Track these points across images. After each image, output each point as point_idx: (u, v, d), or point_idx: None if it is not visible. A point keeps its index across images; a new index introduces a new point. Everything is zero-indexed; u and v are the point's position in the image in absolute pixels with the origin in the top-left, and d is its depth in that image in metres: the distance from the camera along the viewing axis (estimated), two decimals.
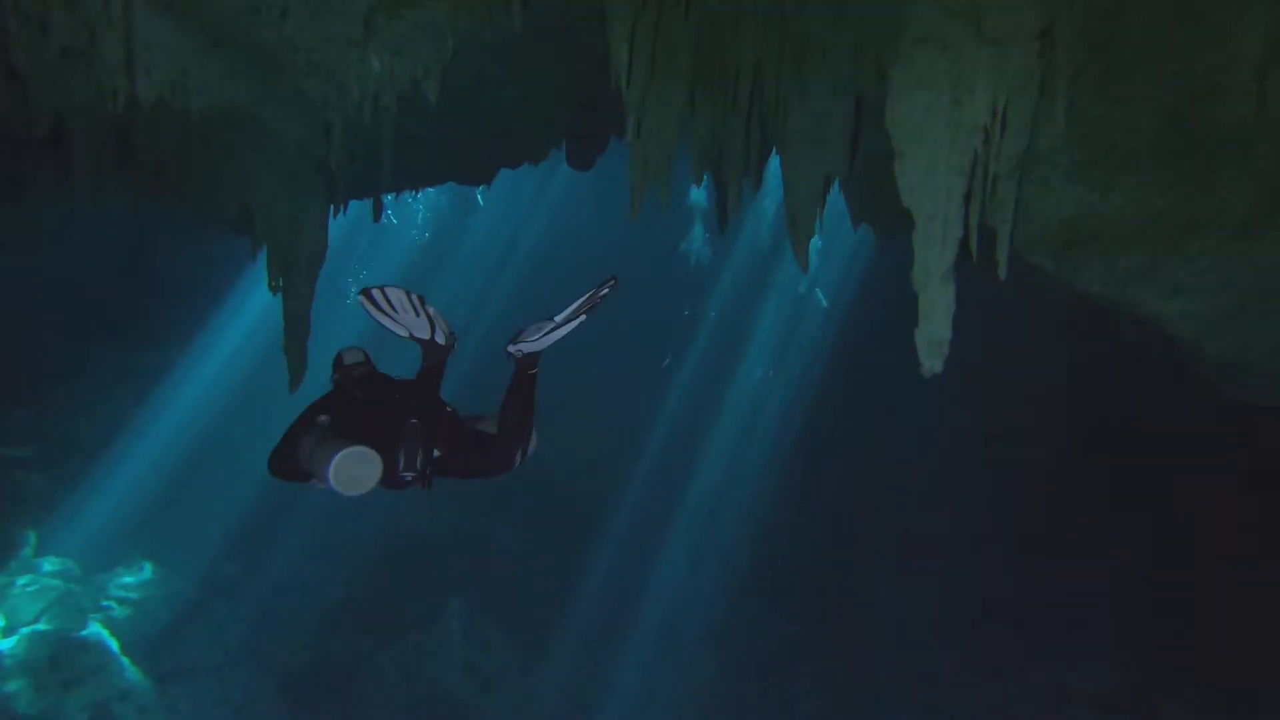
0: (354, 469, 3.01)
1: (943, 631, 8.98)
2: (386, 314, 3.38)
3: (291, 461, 3.28)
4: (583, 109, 7.83)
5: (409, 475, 3.27)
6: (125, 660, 11.72)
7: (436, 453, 3.33)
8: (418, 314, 3.42)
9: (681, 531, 12.57)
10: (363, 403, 3.41)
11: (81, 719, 11.07)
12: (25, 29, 4.66)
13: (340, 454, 2.99)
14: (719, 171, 4.77)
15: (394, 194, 9.03)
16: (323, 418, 3.33)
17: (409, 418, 3.31)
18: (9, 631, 11.60)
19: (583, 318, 3.45)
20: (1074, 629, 8.15)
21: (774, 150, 4.94)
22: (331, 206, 7.92)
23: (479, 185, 8.77)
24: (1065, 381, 8.13)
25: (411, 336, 3.46)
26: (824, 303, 14.32)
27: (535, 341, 3.48)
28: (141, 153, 6.28)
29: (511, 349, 3.52)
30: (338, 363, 3.62)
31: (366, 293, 3.36)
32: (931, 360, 3.09)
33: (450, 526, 12.16)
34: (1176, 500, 7.52)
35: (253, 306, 13.88)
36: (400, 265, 18.39)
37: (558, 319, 3.47)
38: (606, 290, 3.47)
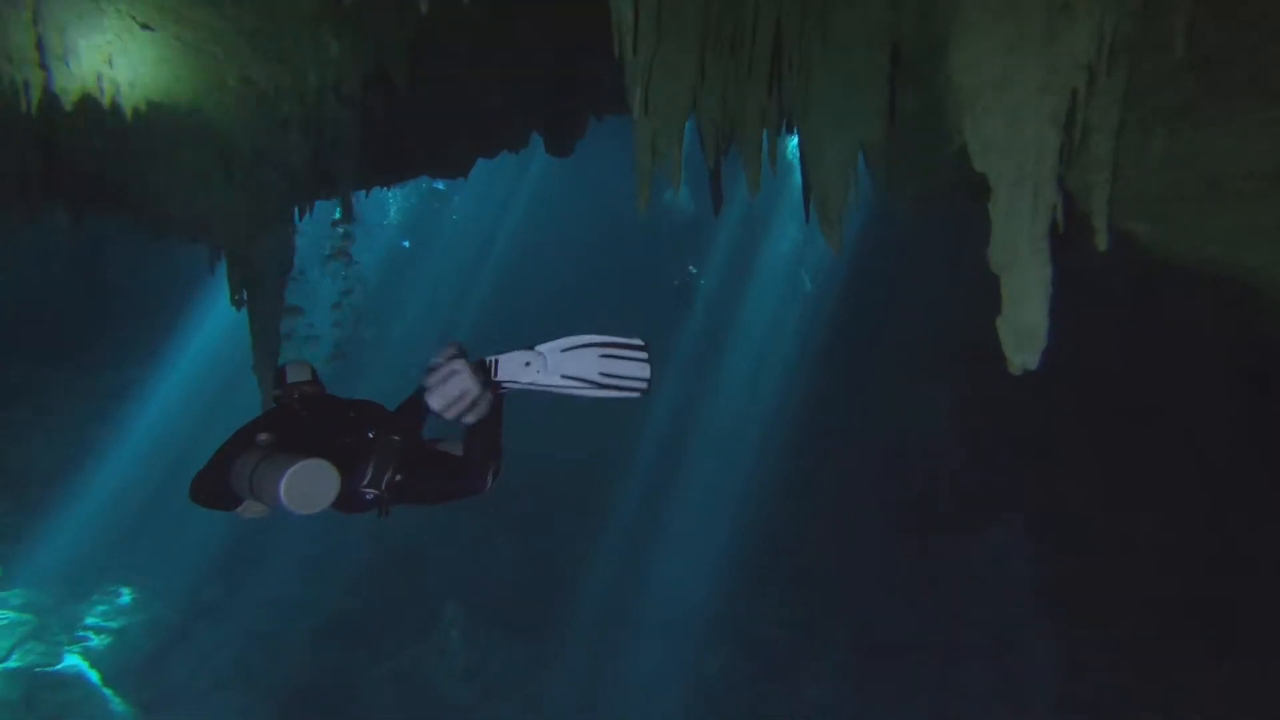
0: (309, 484, 2.68)
1: (950, 616, 8.56)
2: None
3: (220, 485, 2.93)
4: (560, 87, 7.13)
5: (370, 494, 2.91)
6: (108, 692, 10.90)
7: (398, 476, 2.96)
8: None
9: (681, 526, 12.05)
10: (312, 420, 3.09)
11: None
12: None
13: (294, 467, 2.65)
14: (726, 148, 4.13)
15: (364, 191, 8.25)
16: (263, 436, 2.97)
17: (369, 433, 2.98)
18: None
19: (595, 392, 2.84)
20: (1085, 609, 7.77)
21: (787, 123, 4.27)
22: (295, 209, 7.20)
23: (455, 178, 8.01)
24: (1074, 352, 7.66)
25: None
26: (808, 286, 13.83)
27: (516, 383, 2.91)
28: (71, 157, 5.41)
29: (495, 379, 2.92)
30: (280, 379, 3.28)
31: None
32: (1022, 354, 2.48)
33: (443, 533, 11.52)
34: (1204, 477, 7.10)
35: (220, 317, 12.97)
36: (375, 263, 17.48)
37: (540, 349, 2.89)
38: (642, 378, 2.84)
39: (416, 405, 2.98)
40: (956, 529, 8.79)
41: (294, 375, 3.28)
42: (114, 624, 11.56)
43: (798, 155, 5.34)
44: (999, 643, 8.41)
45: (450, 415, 2.83)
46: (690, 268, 13.96)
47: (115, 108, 4.88)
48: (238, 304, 6.43)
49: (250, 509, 3.04)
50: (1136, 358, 6.27)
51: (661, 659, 10.50)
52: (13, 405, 10.89)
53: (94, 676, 10.98)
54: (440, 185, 17.54)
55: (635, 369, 2.87)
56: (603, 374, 2.86)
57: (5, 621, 11.09)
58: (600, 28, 3.69)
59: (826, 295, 12.39)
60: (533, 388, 2.90)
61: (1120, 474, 7.52)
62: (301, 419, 3.11)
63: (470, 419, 2.88)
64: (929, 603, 8.74)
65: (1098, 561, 7.83)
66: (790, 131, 4.43)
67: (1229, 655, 6.88)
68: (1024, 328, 2.49)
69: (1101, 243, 2.55)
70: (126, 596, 11.93)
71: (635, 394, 2.87)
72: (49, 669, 10.86)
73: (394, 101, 6.27)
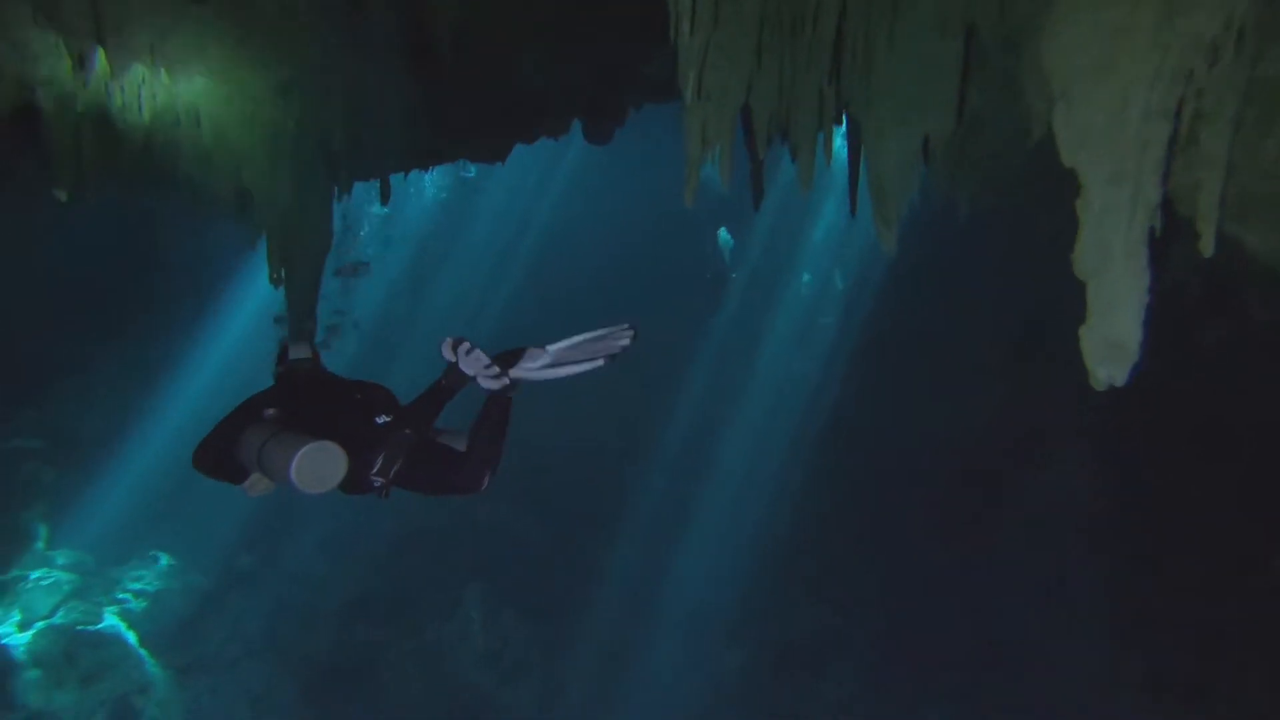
0: (319, 466, 2.73)
1: (979, 618, 8.26)
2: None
3: (225, 455, 2.98)
4: (603, 78, 6.93)
5: (379, 480, 2.99)
6: (144, 653, 11.10)
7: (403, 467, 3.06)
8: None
9: (706, 516, 11.84)
10: (316, 398, 3.12)
11: (101, 713, 10.48)
12: None
13: (306, 448, 2.70)
14: (777, 140, 3.88)
15: (403, 174, 8.14)
16: (270, 411, 3.00)
17: (377, 419, 3.02)
18: (25, 626, 10.95)
19: (591, 364, 3.07)
20: (1122, 613, 7.40)
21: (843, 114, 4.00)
22: (336, 189, 7.12)
23: (493, 162, 7.85)
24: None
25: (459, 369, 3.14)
26: (840, 284, 13.48)
27: (527, 370, 3.11)
28: (122, 132, 5.34)
29: (504, 374, 3.12)
30: (282, 356, 3.31)
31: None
32: (1109, 368, 2.22)
33: (467, 516, 11.47)
34: (1245, 497, 6.70)
35: (261, 292, 13.05)
36: (408, 247, 17.44)
37: (551, 350, 3.13)
38: (626, 341, 3.10)
39: (430, 403, 3.07)
40: (989, 534, 8.47)
41: (295, 353, 3.28)
42: (151, 588, 11.75)
43: (843, 149, 5.09)
44: (1029, 654, 8.10)
45: (474, 373, 3.04)
46: (721, 232, 13.57)
47: (165, 85, 4.80)
48: (276, 282, 6.36)
49: (257, 485, 3.05)
50: (1211, 373, 5.89)
51: (682, 652, 10.36)
52: (64, 377, 11.06)
53: (132, 638, 11.19)
54: (471, 172, 17.43)
55: (620, 341, 3.11)
56: (593, 354, 3.09)
57: (50, 581, 11.33)
58: (650, 11, 3.48)
59: (863, 290, 12.05)
60: (541, 378, 3.09)
61: (1165, 486, 7.13)
62: (306, 396, 3.09)
63: (494, 386, 3.05)
64: (957, 607, 8.45)
65: (1160, 579, 7.39)
66: (839, 123, 4.19)
67: None
68: (1113, 339, 2.22)
69: (1207, 248, 2.27)
70: (164, 562, 12.12)
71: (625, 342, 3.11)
72: (89, 628, 11.07)
73: (435, 82, 6.13)
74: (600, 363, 3.06)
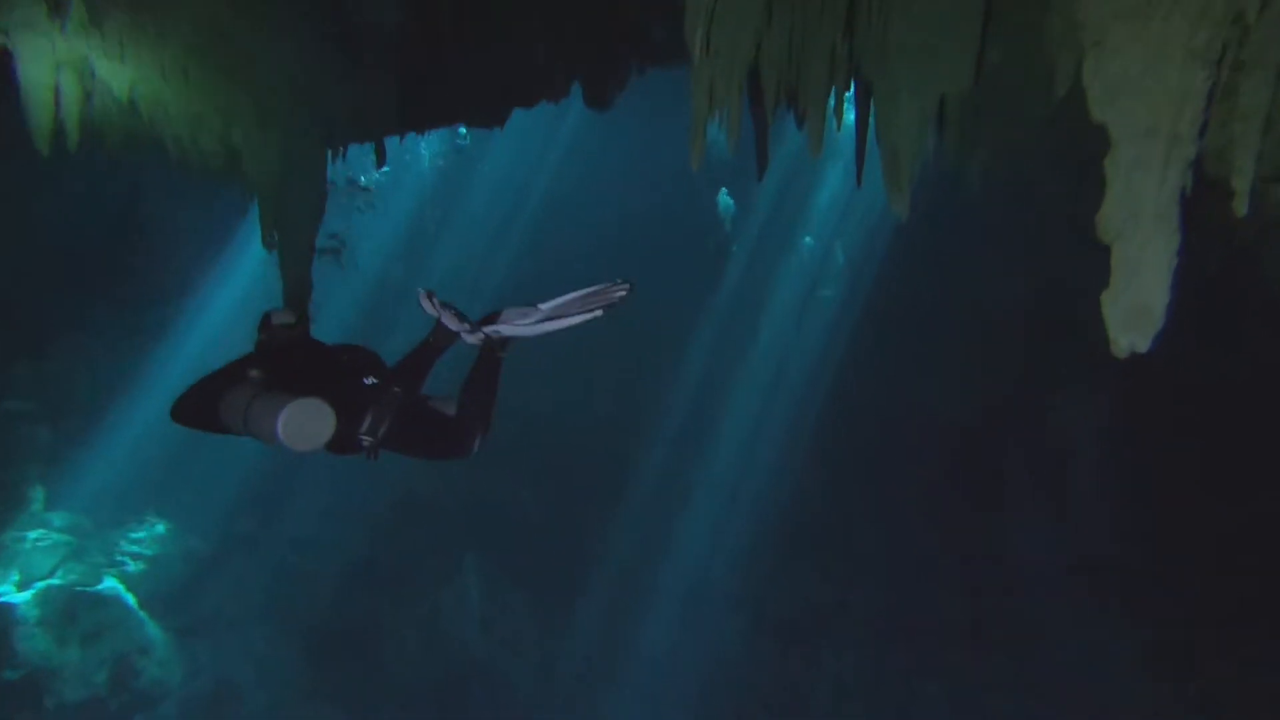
0: (307, 422, 2.72)
1: (976, 592, 8.27)
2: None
3: (207, 413, 2.95)
4: (604, 42, 6.69)
5: (367, 440, 2.98)
6: (144, 615, 11.14)
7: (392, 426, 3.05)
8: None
9: (706, 489, 11.79)
10: (302, 361, 3.10)
11: (103, 672, 10.55)
12: None
13: (294, 403, 2.68)
14: (784, 102, 3.71)
15: (399, 137, 7.91)
16: (254, 372, 2.98)
17: (365, 380, 3.03)
18: (24, 585, 10.95)
19: (588, 314, 3.04)
20: (1115, 590, 7.41)
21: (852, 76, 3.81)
22: (329, 151, 6.92)
23: (491, 127, 7.64)
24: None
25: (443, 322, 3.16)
26: (841, 258, 13.26)
27: (517, 326, 3.07)
28: (103, 85, 5.13)
29: (489, 330, 3.10)
30: (264, 324, 3.27)
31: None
32: (1131, 334, 2.09)
33: (466, 485, 11.43)
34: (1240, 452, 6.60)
35: (257, 254, 12.86)
36: (404, 215, 17.17)
37: (543, 308, 3.12)
38: (622, 293, 3.09)
39: (418, 361, 3.06)
40: (989, 511, 8.44)
41: (278, 319, 3.26)
42: (149, 551, 11.75)
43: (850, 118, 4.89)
44: (1027, 629, 8.12)
45: (457, 328, 3.06)
46: (722, 195, 13.32)
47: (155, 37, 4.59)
48: (269, 245, 6.20)
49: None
50: (1225, 347, 5.77)
51: (681, 625, 10.39)
52: (58, 338, 10.92)
53: (131, 599, 11.22)
54: (465, 141, 17.12)
55: (617, 293, 3.10)
56: (588, 306, 3.06)
57: (49, 542, 11.31)
58: None
59: (866, 264, 11.88)
60: (536, 332, 3.06)
61: (1171, 455, 7.06)
62: (292, 359, 3.04)
63: (473, 340, 3.06)
64: (956, 582, 8.45)
65: (1160, 559, 7.32)
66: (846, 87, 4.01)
67: None
68: (1138, 304, 2.10)
69: (1241, 207, 2.13)
70: (161, 526, 12.09)
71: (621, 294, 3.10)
72: (89, 589, 11.09)
73: (433, 44, 5.91)
74: (598, 313, 3.03)
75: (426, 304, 3.08)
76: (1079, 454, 7.83)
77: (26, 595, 10.86)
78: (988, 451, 8.41)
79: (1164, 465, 7.09)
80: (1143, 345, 2.15)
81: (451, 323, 3.05)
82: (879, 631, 9.01)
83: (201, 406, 2.98)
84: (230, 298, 13.01)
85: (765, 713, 9.53)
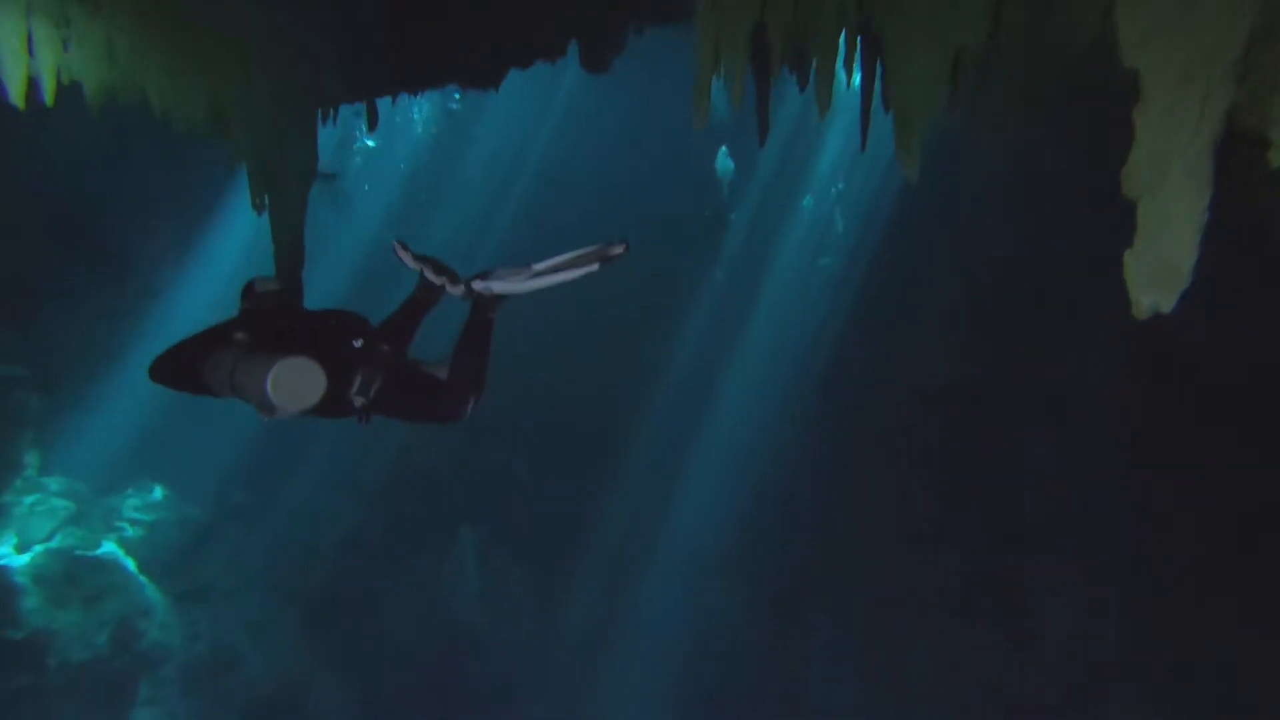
0: (296, 381, 2.65)
1: (968, 560, 8.30)
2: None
3: (190, 374, 2.90)
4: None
5: (358, 401, 2.93)
6: (143, 579, 11.18)
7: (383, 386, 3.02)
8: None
9: (703, 458, 11.79)
10: (288, 325, 3.03)
11: (104, 634, 10.62)
12: None
13: (282, 361, 2.62)
14: (789, 61, 3.54)
15: (391, 98, 7.68)
16: (240, 335, 2.92)
17: (354, 342, 2.98)
18: (23, 548, 10.98)
19: (584, 270, 2.98)
20: (1112, 555, 7.41)
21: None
22: (320, 112, 6.70)
23: (486, 89, 7.40)
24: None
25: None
26: (840, 226, 13.07)
27: (509, 284, 2.99)
28: (78, 35, 4.90)
29: (479, 285, 3.02)
30: (248, 291, 3.22)
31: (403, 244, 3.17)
32: (1155, 294, 1.98)
33: (463, 456, 11.41)
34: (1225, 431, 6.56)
35: (246, 221, 12.61)
36: (398, 180, 16.88)
37: (537, 267, 3.04)
38: (619, 251, 3.01)
39: (405, 318, 3.01)
40: (984, 480, 8.42)
41: (262, 287, 3.22)
42: (147, 518, 11.76)
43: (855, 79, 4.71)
44: (1019, 597, 8.16)
45: (439, 281, 3.03)
46: (721, 155, 13.07)
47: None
48: (259, 208, 6.01)
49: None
50: (1231, 318, 5.66)
51: (678, 594, 10.46)
52: (47, 303, 10.75)
53: (130, 564, 11.25)
54: (457, 105, 16.76)
55: (614, 251, 3.04)
56: (584, 263, 3.00)
57: (46, 506, 11.31)
58: None
59: (868, 234, 11.71)
60: (530, 288, 3.00)
61: (1160, 425, 7.02)
62: (277, 323, 2.98)
63: (456, 293, 3.02)
64: (949, 550, 8.48)
65: (1136, 504, 7.32)
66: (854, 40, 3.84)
67: None
68: (1164, 261, 1.98)
69: (1277, 158, 2.03)
70: (158, 493, 12.10)
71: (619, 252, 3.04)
72: (88, 553, 11.13)
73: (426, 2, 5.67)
74: (595, 267, 2.97)
75: (403, 256, 3.02)
76: (1080, 422, 7.79)
77: (25, 558, 10.89)
78: (986, 420, 8.37)
79: (1168, 433, 7.05)
80: (1167, 305, 2.05)
81: (433, 276, 2.97)
82: (871, 599, 9.08)
83: (183, 366, 2.92)
84: (226, 261, 12.82)
85: (759, 679, 9.66)
